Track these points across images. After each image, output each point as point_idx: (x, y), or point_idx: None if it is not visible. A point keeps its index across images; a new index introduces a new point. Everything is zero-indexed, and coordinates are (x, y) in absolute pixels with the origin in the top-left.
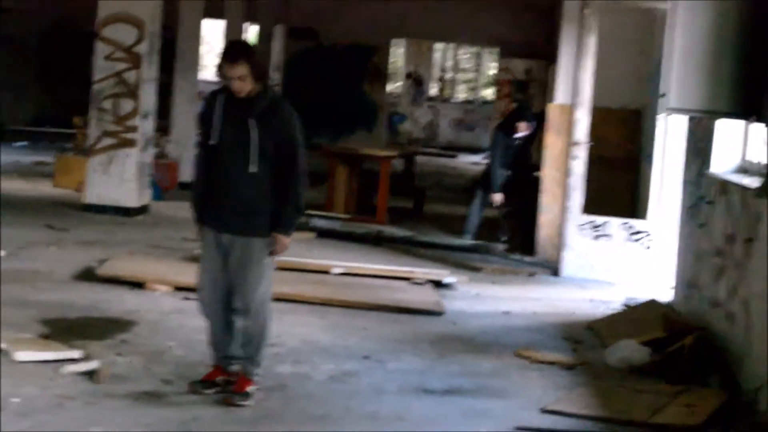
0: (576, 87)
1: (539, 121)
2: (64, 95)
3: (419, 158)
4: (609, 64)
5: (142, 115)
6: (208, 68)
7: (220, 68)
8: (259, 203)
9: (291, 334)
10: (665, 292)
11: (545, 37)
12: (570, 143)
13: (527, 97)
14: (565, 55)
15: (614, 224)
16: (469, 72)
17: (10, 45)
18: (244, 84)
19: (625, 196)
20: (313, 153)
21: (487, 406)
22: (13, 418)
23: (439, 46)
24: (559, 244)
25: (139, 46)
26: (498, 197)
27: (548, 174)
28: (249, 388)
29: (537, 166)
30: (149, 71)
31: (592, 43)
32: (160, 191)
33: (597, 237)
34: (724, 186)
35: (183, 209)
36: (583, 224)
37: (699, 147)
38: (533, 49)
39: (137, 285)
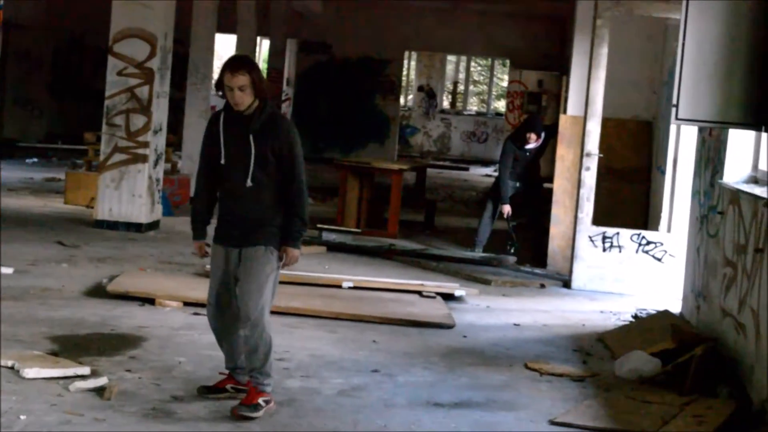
0: (588, 98)
1: (550, 133)
2: (77, 111)
3: (431, 171)
4: (621, 74)
5: (153, 130)
6: None
7: (220, 80)
8: (263, 216)
9: (300, 349)
10: (676, 303)
11: (557, 48)
12: (581, 154)
13: (539, 109)
14: (577, 66)
15: (625, 235)
16: (481, 84)
17: (24, 61)
18: (244, 95)
19: (636, 208)
20: (325, 167)
21: (497, 419)
22: None
23: (451, 59)
24: (570, 256)
25: (151, 61)
26: (506, 208)
27: (559, 185)
28: (260, 400)
29: (547, 179)
30: (161, 86)
31: (604, 54)
32: (171, 207)
33: (608, 248)
34: (735, 196)
35: None
36: (594, 236)
37: (710, 157)
38: (545, 61)
39: (147, 301)
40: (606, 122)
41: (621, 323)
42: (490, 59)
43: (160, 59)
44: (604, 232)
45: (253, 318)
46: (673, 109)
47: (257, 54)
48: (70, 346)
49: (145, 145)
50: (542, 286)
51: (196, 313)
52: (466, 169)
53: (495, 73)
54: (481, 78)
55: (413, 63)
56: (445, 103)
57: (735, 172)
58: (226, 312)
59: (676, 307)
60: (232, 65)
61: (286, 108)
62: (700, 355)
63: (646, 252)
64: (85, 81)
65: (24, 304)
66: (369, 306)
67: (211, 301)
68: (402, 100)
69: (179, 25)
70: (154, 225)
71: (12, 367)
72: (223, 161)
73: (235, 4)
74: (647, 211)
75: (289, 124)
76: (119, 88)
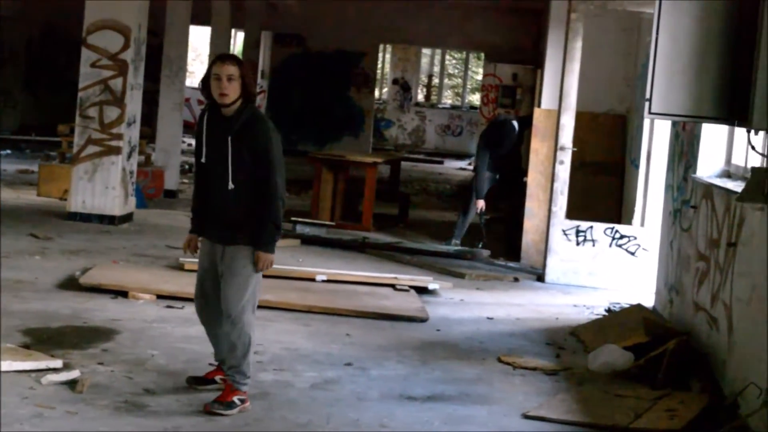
0: (562, 92)
1: (526, 123)
2: (51, 103)
3: (405, 164)
4: (595, 68)
5: (127, 122)
6: (195, 75)
7: (207, 75)
8: (244, 217)
9: (274, 342)
10: (649, 297)
11: (532, 42)
12: (555, 148)
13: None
14: (552, 59)
15: (599, 229)
16: (455, 77)
17: None
18: (230, 86)
19: (610, 201)
20: (299, 159)
21: (470, 413)
22: None
23: (426, 52)
24: (543, 250)
25: (125, 53)
26: (480, 203)
27: (533, 179)
28: (235, 398)
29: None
30: (135, 78)
31: (578, 48)
32: (144, 199)
33: (581, 242)
34: (708, 190)
35: (168, 217)
36: (567, 229)
37: (683, 151)
38: (520, 55)
39: (120, 294)
40: (580, 116)
41: (594, 317)
42: (464, 53)
43: (134, 51)
44: (577, 226)
45: (234, 315)
46: (647, 103)
47: (232, 46)
48: (43, 339)
49: (119, 137)
50: (516, 279)
51: (169, 306)
52: (441, 163)
53: (470, 66)
54: (456, 71)
55: (388, 56)
56: (420, 97)
57: (708, 167)
58: (211, 305)
59: (649, 301)
60: (222, 57)
61: (261, 101)
62: (673, 349)
63: (620, 246)
64: (59, 72)
65: None
66: (343, 299)
67: (197, 293)
68: (377, 93)
69: (153, 16)
70: (127, 217)
71: None
72: (203, 161)
73: None
74: (621, 205)
75: (266, 127)
76: (93, 79)
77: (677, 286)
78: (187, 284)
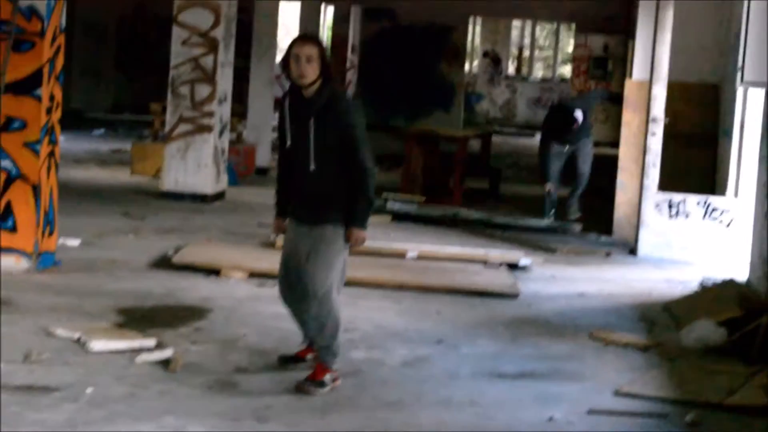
0: (654, 62)
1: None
2: (142, 82)
3: (496, 138)
4: (687, 37)
5: (218, 100)
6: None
7: (287, 55)
8: (329, 197)
9: (365, 319)
10: (743, 271)
11: (623, 11)
12: (647, 120)
13: (604, 75)
14: (643, 29)
15: (692, 202)
16: (546, 50)
17: (89, 31)
18: (309, 67)
19: (703, 173)
20: (390, 135)
21: (561, 390)
22: (86, 408)
23: (516, 24)
24: (636, 223)
25: (215, 30)
26: (548, 186)
27: (625, 152)
28: (326, 377)
29: (612, 143)
30: (226, 56)
31: (669, 17)
32: (236, 176)
33: (674, 215)
34: None
35: (260, 195)
36: (660, 202)
37: None
38: (611, 25)
39: (213, 272)
40: (672, 86)
41: (687, 292)
42: (555, 24)
43: (224, 28)
44: (670, 199)
45: (320, 295)
46: (739, 72)
47: (321, 21)
48: (136, 318)
49: (210, 114)
50: (608, 254)
51: (261, 285)
52: (532, 136)
53: (560, 37)
54: (547, 43)
55: (478, 29)
56: (511, 69)
57: None
58: (297, 287)
59: (743, 275)
60: (301, 37)
61: (351, 76)
62: (767, 323)
63: (713, 218)
64: (151, 51)
65: (90, 276)
66: (433, 276)
67: (282, 275)
68: (467, 67)
69: None
70: (219, 195)
71: (78, 340)
72: (288, 143)
73: None
74: (714, 177)
75: (348, 105)
76: (184, 57)
77: None
78: (278, 262)
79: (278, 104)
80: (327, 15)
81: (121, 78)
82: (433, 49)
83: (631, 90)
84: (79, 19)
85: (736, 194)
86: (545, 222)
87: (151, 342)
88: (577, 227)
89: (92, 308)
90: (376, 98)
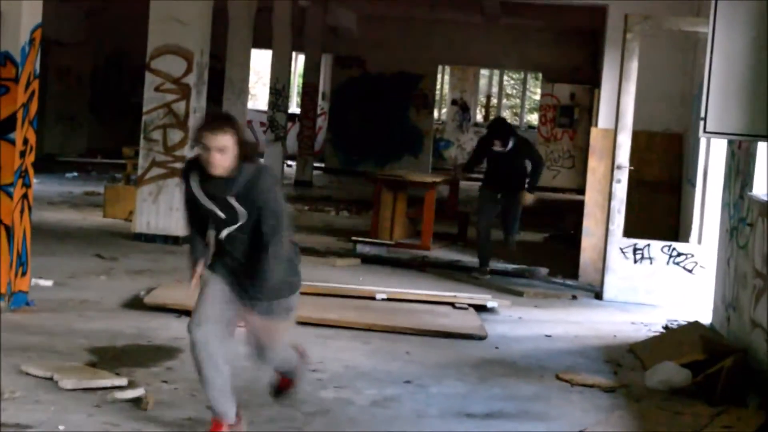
0: (618, 111)
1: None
2: (116, 126)
3: (464, 183)
4: (651, 87)
5: (190, 145)
6: (257, 97)
7: (198, 138)
8: (256, 273)
9: (334, 360)
10: (706, 314)
11: (589, 61)
12: (612, 167)
13: (571, 123)
14: (608, 79)
15: (656, 247)
16: (514, 98)
17: (64, 77)
18: (223, 158)
19: (667, 220)
20: (359, 179)
21: (528, 430)
22: None
23: (484, 72)
24: (601, 268)
25: (187, 77)
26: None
27: (591, 197)
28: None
29: (578, 190)
30: (198, 101)
31: (634, 68)
32: None
33: (639, 260)
34: (764, 208)
35: None
36: (625, 247)
37: (739, 170)
38: (577, 74)
39: (184, 313)
40: (637, 135)
41: (652, 334)
42: (522, 73)
43: (197, 75)
44: (635, 244)
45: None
46: (702, 123)
47: (292, 69)
48: (108, 358)
49: (182, 159)
50: (574, 297)
51: None
52: None
53: (528, 86)
54: (514, 92)
55: (447, 77)
56: (479, 117)
57: (764, 184)
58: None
59: (706, 318)
60: (211, 125)
61: (322, 122)
62: (730, 366)
63: (677, 263)
64: (124, 97)
65: (62, 316)
66: (402, 317)
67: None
68: (436, 114)
69: (215, 41)
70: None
71: (51, 378)
72: (201, 217)
73: (270, 20)
74: (678, 223)
75: (267, 181)
76: (157, 103)
77: (734, 303)
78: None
79: (181, 177)
80: (298, 63)
81: (94, 122)
82: (401, 96)
83: (596, 138)
84: (54, 66)
85: (699, 240)
86: (512, 266)
87: (123, 381)
88: (544, 271)
89: (64, 347)
90: (345, 143)
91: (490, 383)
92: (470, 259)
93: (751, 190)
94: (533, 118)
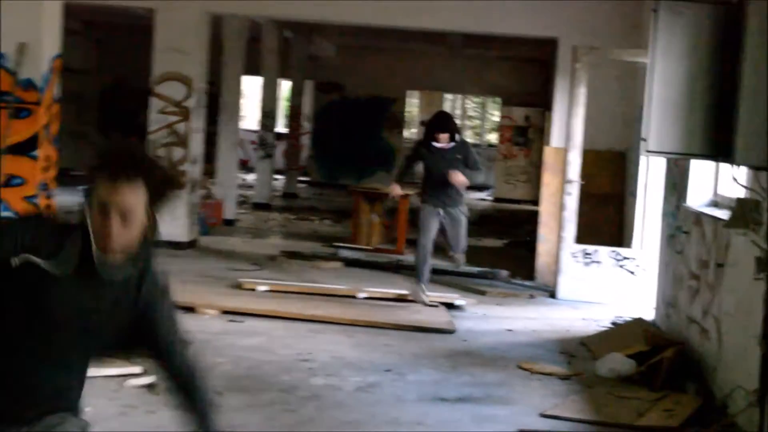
0: (569, 132)
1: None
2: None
3: None
4: (597, 111)
5: (191, 161)
6: (248, 118)
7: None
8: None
9: (322, 351)
10: (648, 311)
11: (542, 87)
12: (564, 182)
13: (525, 142)
14: (559, 103)
15: (603, 252)
16: (475, 119)
17: (74, 101)
18: (125, 231)
19: (612, 228)
20: (341, 192)
21: (494, 412)
22: None
23: (448, 97)
24: (555, 270)
25: (188, 101)
26: (395, 188)
27: (545, 209)
28: None
29: (532, 201)
30: (197, 122)
31: (582, 93)
32: (206, 227)
33: (588, 263)
34: (698, 218)
35: (227, 243)
36: (576, 252)
37: (676, 184)
38: (531, 99)
39: (189, 309)
40: (585, 153)
41: (601, 329)
42: (482, 97)
43: (196, 99)
44: (584, 249)
45: None
46: (643, 142)
47: (278, 94)
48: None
49: (184, 174)
50: (531, 296)
51: (231, 320)
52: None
53: (487, 109)
54: (475, 113)
55: (415, 100)
56: None
57: (698, 197)
58: None
59: (649, 315)
60: (119, 171)
61: (306, 140)
62: (670, 356)
63: (622, 266)
64: (130, 118)
65: None
66: (381, 314)
67: None
68: (406, 133)
69: (211, 69)
70: (192, 243)
71: None
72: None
73: (260, 50)
74: (622, 231)
75: (164, 279)
76: (161, 124)
77: (673, 302)
78: (246, 301)
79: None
80: (284, 88)
81: (104, 140)
82: (376, 117)
83: (549, 155)
84: (67, 90)
85: (641, 246)
86: (476, 269)
87: (138, 368)
88: (505, 273)
89: None
90: (327, 159)
91: (460, 371)
92: (440, 262)
93: (686, 202)
94: (493, 138)
